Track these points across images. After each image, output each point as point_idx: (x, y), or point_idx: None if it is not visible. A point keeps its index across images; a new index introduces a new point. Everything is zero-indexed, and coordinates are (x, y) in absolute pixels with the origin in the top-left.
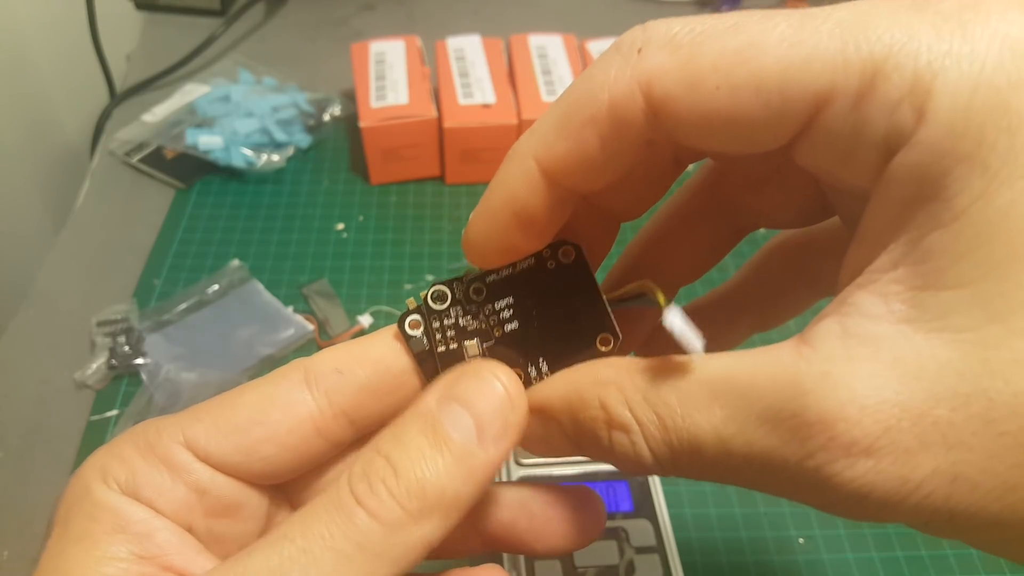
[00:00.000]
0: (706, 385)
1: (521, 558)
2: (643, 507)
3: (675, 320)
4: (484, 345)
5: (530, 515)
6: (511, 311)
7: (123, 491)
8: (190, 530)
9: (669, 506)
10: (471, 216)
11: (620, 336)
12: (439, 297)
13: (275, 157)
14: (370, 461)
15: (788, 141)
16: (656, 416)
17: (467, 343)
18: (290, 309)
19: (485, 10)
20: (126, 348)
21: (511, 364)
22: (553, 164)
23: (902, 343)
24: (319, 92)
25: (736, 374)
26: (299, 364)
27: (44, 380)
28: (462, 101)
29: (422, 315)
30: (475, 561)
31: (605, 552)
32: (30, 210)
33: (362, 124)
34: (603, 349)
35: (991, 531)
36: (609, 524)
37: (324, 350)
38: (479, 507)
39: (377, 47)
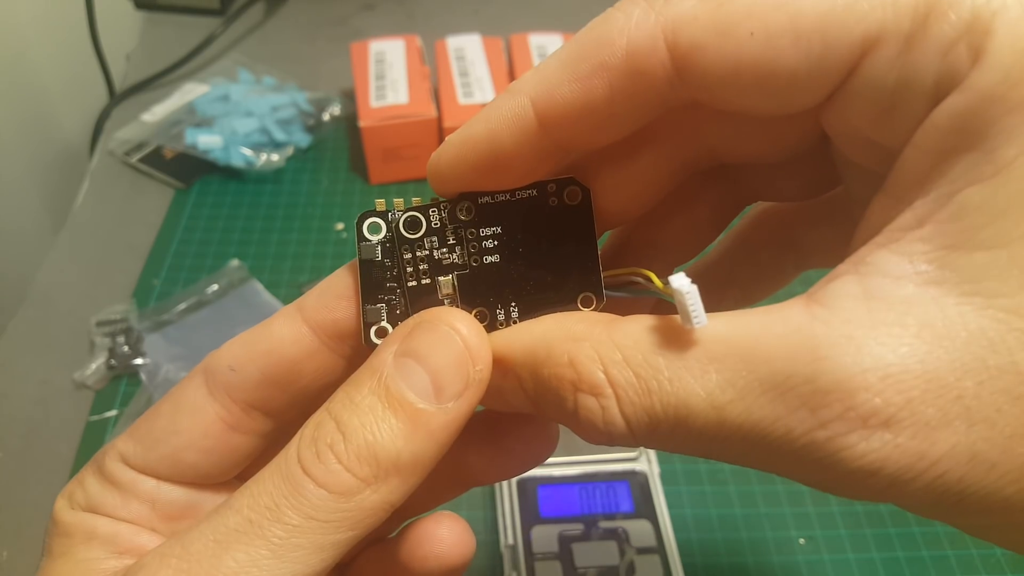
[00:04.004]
0: (701, 346)
1: (521, 558)
2: (643, 508)
3: (683, 283)
4: (458, 276)
5: (493, 445)
6: (495, 242)
7: (84, 510)
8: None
9: (670, 507)
10: (446, 140)
11: (604, 299)
12: (412, 224)
13: (274, 157)
14: (320, 424)
15: (826, 97)
16: (636, 378)
17: (441, 279)
18: None
19: (485, 10)
20: (125, 348)
21: (480, 300)
22: (551, 109)
23: (931, 308)
24: (319, 92)
25: (737, 335)
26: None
27: (43, 380)
28: (462, 101)
29: (386, 222)
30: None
31: (605, 553)
32: (29, 210)
33: (362, 124)
34: (583, 309)
35: (999, 515)
36: (609, 525)
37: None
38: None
39: (377, 46)
